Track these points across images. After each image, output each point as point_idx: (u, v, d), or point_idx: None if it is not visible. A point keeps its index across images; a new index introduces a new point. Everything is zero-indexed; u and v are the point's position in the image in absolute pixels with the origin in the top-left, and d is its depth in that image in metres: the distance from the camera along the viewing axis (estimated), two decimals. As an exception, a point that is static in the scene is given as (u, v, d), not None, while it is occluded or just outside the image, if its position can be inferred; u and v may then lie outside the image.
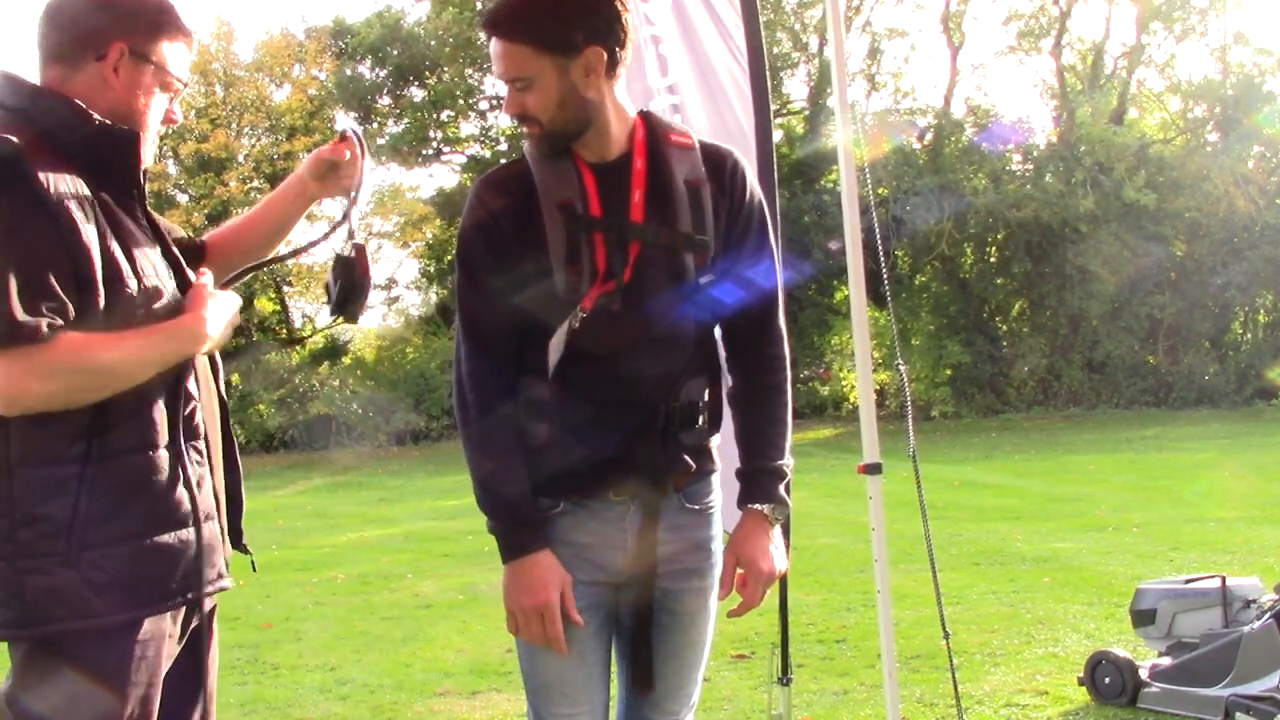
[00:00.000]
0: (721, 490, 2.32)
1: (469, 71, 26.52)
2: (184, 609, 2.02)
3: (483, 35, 2.16)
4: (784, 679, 3.70)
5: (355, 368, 26.01)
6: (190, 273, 2.09)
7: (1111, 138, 22.94)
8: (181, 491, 1.95)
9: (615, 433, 2.13)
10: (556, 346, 2.08)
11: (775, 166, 3.56)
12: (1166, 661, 4.44)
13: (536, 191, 2.11)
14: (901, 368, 3.99)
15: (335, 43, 26.90)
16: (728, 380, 2.31)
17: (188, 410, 2.01)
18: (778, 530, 2.25)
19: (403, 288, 28.82)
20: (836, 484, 12.22)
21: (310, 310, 27.58)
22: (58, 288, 1.80)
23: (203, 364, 2.07)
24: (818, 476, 13.32)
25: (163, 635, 1.97)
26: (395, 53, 26.79)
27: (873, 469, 3.50)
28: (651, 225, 2.11)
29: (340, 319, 2.23)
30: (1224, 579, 4.49)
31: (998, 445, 17.70)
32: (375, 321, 29.58)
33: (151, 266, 1.98)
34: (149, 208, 2.06)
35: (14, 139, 1.80)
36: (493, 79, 28.22)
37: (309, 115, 25.79)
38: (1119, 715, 4.34)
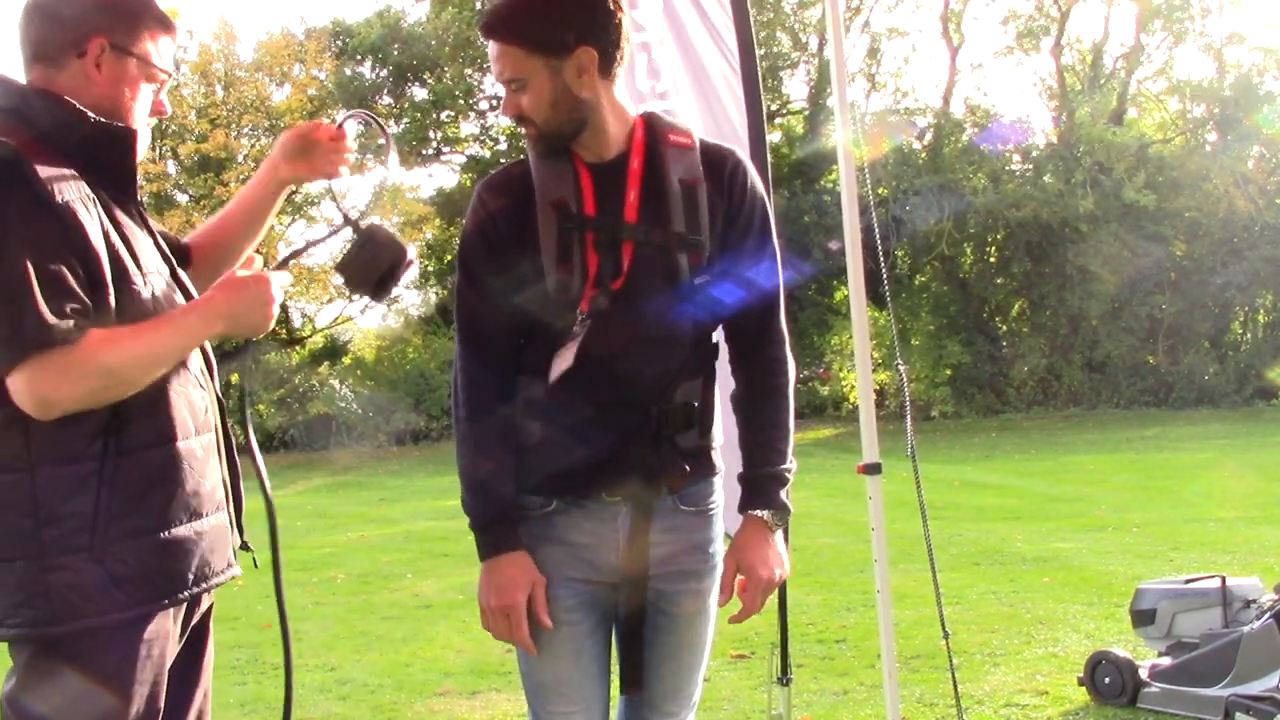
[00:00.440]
0: (724, 493, 2.32)
1: (469, 71, 26.52)
2: (184, 606, 2.03)
3: (481, 38, 2.16)
4: (784, 679, 3.70)
5: (355, 368, 26.02)
6: (180, 271, 2.09)
7: (1111, 138, 22.95)
8: (195, 483, 1.97)
9: (610, 433, 2.13)
10: (565, 356, 2.08)
11: (769, 167, 3.56)
12: (1166, 661, 4.44)
13: (530, 189, 2.13)
14: (901, 368, 4.00)
15: (335, 42, 26.91)
16: (730, 383, 2.30)
17: (199, 403, 2.03)
18: (779, 536, 2.24)
19: (403, 288, 28.79)
20: (836, 484, 12.22)
21: (310, 310, 27.59)
22: (76, 287, 1.80)
23: (197, 358, 2.08)
24: (818, 476, 13.32)
25: (167, 634, 1.97)
26: (395, 53, 26.79)
27: (872, 469, 3.50)
28: (644, 225, 2.11)
29: (375, 296, 2.14)
30: (1224, 579, 4.49)
31: (998, 445, 17.69)
32: (375, 321, 29.60)
33: (153, 263, 1.99)
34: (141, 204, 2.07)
35: (10, 141, 1.80)
36: (493, 79, 28.11)
37: (309, 115, 25.77)
38: (1119, 715, 4.34)
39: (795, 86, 27.73)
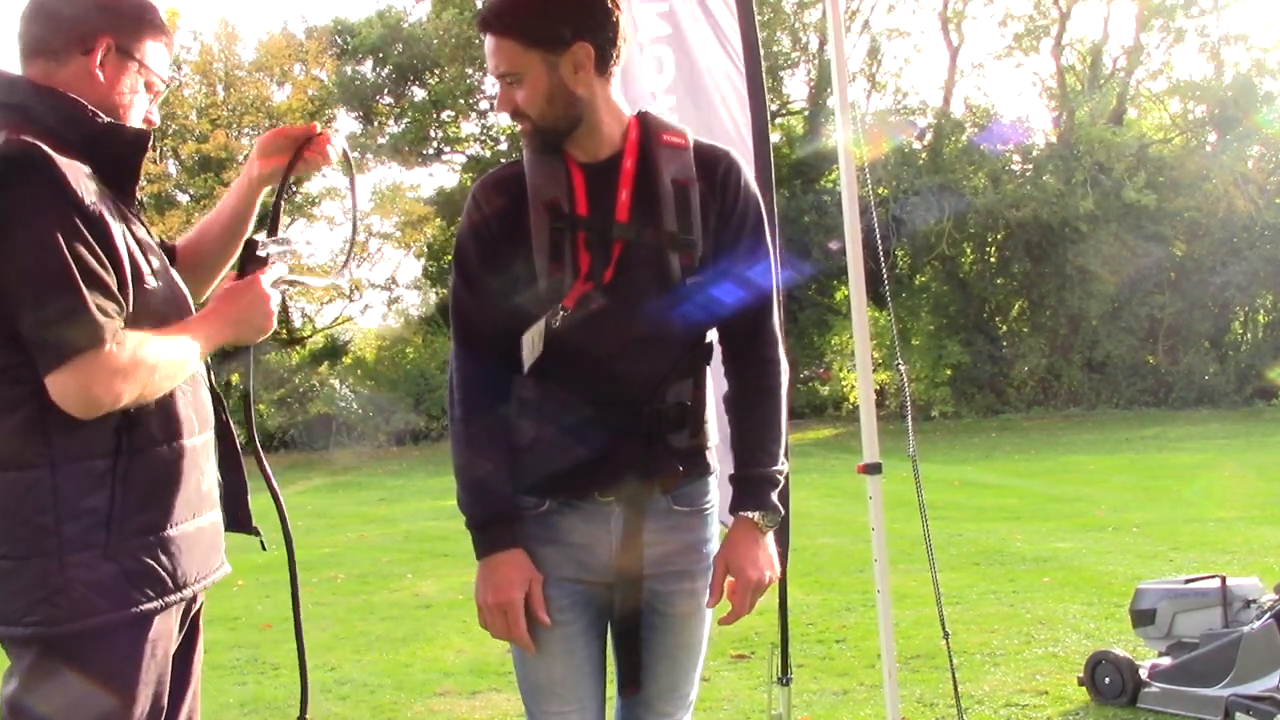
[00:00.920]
0: (719, 492, 2.32)
1: (469, 71, 26.50)
2: (183, 605, 2.04)
3: (479, 33, 2.17)
4: (784, 679, 3.70)
5: (355, 368, 26.03)
6: (174, 272, 2.10)
7: (1111, 138, 22.95)
8: (198, 481, 2.00)
9: (602, 433, 2.12)
10: (534, 343, 2.11)
11: (772, 168, 3.55)
12: (1166, 661, 4.44)
13: (523, 188, 2.13)
14: (901, 368, 3.99)
15: (336, 42, 26.92)
16: (724, 384, 2.30)
17: (207, 402, 2.08)
18: (770, 538, 2.24)
19: (403, 288, 28.82)
20: (836, 484, 12.22)
21: (310, 310, 27.59)
22: (114, 288, 1.83)
23: None
24: (818, 476, 13.32)
25: (169, 633, 1.99)
26: (396, 52, 26.80)
27: (872, 469, 3.50)
28: (636, 224, 2.11)
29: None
30: (1224, 579, 4.49)
31: (998, 445, 17.69)
32: (375, 321, 29.60)
33: (160, 263, 2.02)
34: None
35: (38, 143, 1.80)
36: (493, 79, 28.14)
37: (309, 115, 25.77)
38: (1119, 715, 4.34)
39: (795, 86, 27.76)
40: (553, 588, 2.16)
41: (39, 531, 1.83)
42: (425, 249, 27.78)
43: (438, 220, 26.36)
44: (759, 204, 2.24)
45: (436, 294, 27.19)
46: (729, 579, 2.21)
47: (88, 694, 1.87)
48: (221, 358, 2.19)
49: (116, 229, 1.87)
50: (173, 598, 1.95)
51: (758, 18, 3.64)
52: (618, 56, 2.13)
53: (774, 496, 2.22)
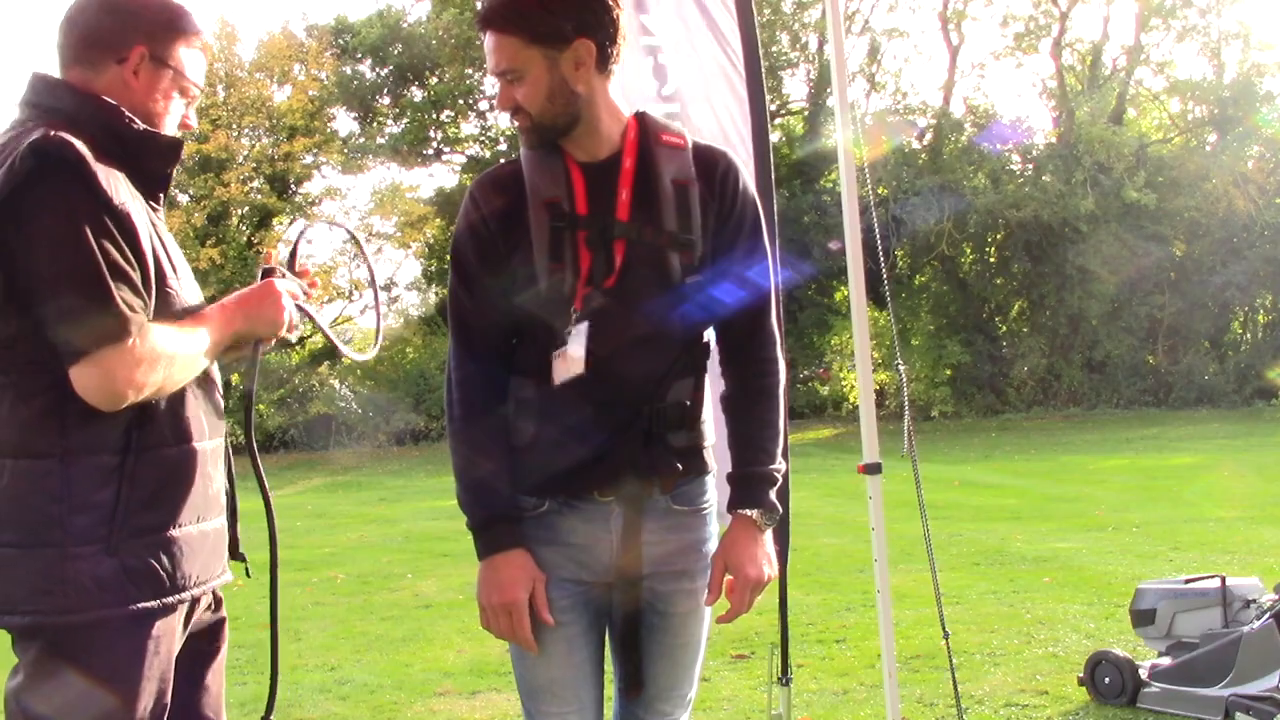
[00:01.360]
0: (716, 492, 2.32)
1: (469, 71, 26.50)
2: (187, 606, 2.05)
3: (479, 32, 2.16)
4: (784, 679, 3.70)
5: (355, 368, 26.02)
6: (193, 280, 2.15)
7: (1111, 138, 22.95)
8: (205, 485, 2.03)
9: (602, 432, 2.12)
10: (572, 360, 2.08)
11: (772, 168, 3.55)
12: (1166, 661, 4.44)
13: (523, 188, 2.12)
14: (901, 368, 3.98)
15: (336, 41, 26.92)
16: (721, 383, 2.30)
17: (219, 406, 2.10)
18: (768, 536, 2.24)
19: (403, 288, 28.85)
20: (836, 484, 12.23)
21: (310, 310, 27.54)
22: (139, 284, 1.87)
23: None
24: (818, 476, 13.33)
25: (173, 632, 1.99)
26: (396, 52, 26.80)
27: (872, 469, 3.50)
28: (636, 224, 2.11)
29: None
30: (1224, 579, 4.49)
31: (998, 445, 17.70)
32: (375, 322, 29.59)
33: (183, 267, 2.05)
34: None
35: (74, 141, 1.84)
36: (493, 79, 28.15)
37: (309, 116, 25.79)
38: (1119, 715, 4.34)
39: (795, 86, 27.76)
40: (553, 588, 2.16)
41: (45, 521, 1.85)
42: (425, 249, 27.79)
43: (437, 220, 26.37)
44: (756, 205, 2.24)
45: (436, 294, 27.21)
46: (727, 577, 2.20)
47: (89, 691, 1.87)
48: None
49: (143, 230, 1.90)
50: (171, 599, 1.95)
51: (757, 19, 3.64)
52: (617, 55, 2.13)
53: (772, 495, 2.22)
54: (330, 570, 8.75)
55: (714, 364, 2.29)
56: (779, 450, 2.25)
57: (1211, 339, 23.91)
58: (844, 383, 24.37)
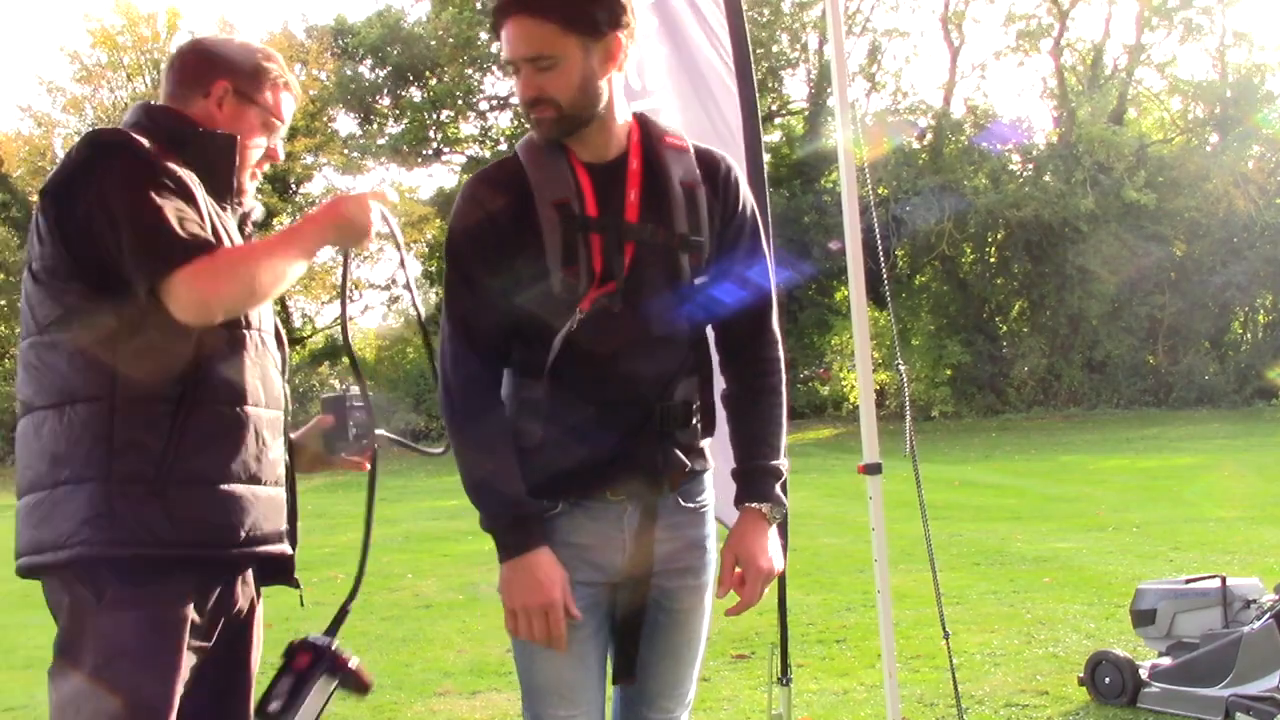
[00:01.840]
0: (715, 489, 2.32)
1: (469, 71, 26.52)
2: (223, 584, 2.12)
3: (492, 22, 2.10)
4: (784, 679, 3.70)
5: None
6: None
7: (1111, 137, 22.96)
8: (259, 450, 2.11)
9: (612, 432, 2.12)
10: (553, 349, 2.08)
11: (764, 166, 3.55)
12: (1166, 661, 4.44)
13: (532, 191, 2.09)
14: (901, 368, 3.98)
15: (336, 42, 26.93)
16: (720, 382, 2.30)
17: (275, 379, 2.18)
18: (775, 530, 2.24)
19: (402, 288, 28.85)
20: (836, 484, 12.23)
21: (310, 310, 27.60)
22: (202, 225, 2.00)
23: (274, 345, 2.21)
24: (818, 476, 13.33)
25: (212, 589, 2.08)
26: (395, 53, 26.80)
27: (873, 469, 3.49)
28: (648, 225, 2.10)
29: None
30: (1224, 579, 4.48)
31: (998, 445, 17.70)
32: (375, 321, 29.62)
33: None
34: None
35: (128, 131, 2.04)
36: (493, 79, 28.26)
37: (310, 116, 25.79)
38: (1119, 715, 4.34)
39: (795, 86, 27.78)
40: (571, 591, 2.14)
41: (93, 458, 1.96)
42: (425, 249, 27.78)
43: (437, 221, 26.37)
44: (754, 206, 2.25)
45: (436, 294, 27.20)
46: (737, 570, 2.19)
47: (126, 636, 1.95)
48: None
49: (204, 205, 2.05)
50: (216, 552, 2.04)
51: (758, 19, 3.64)
52: (627, 55, 2.11)
53: (779, 489, 2.22)
54: (330, 570, 8.72)
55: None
56: (782, 447, 2.25)
57: (1212, 339, 23.91)
58: (844, 383, 24.37)
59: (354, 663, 2.25)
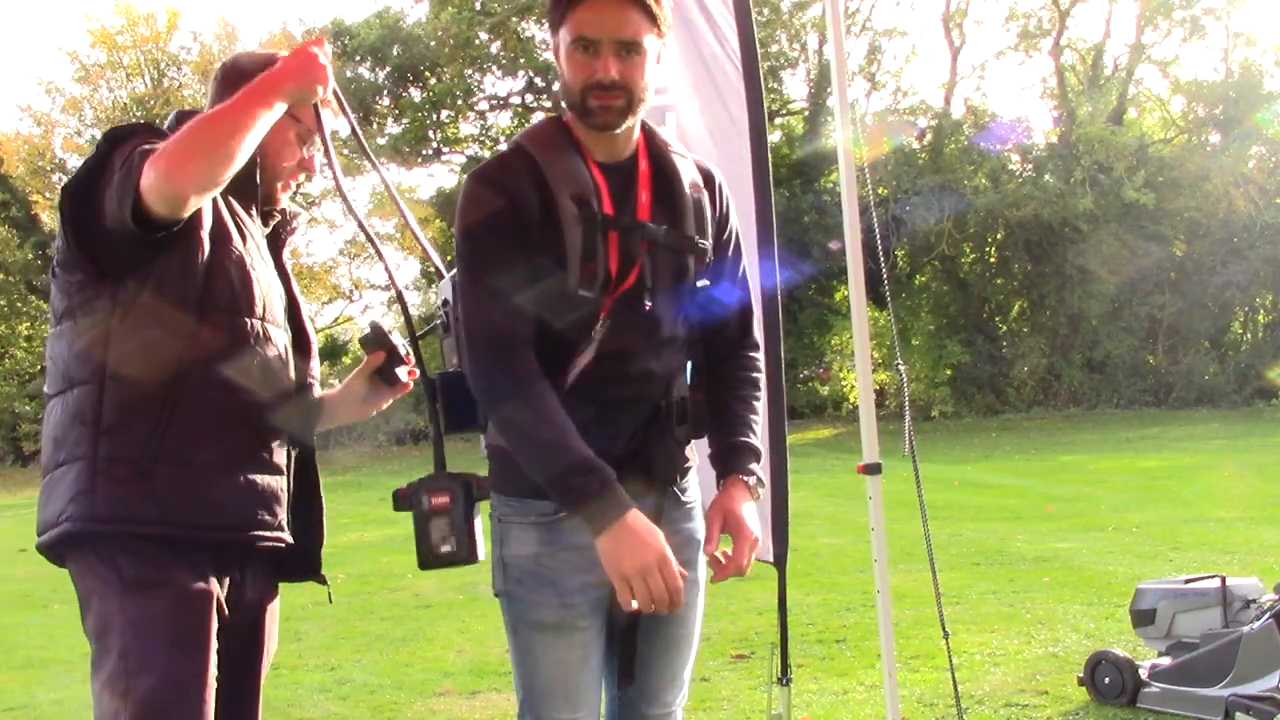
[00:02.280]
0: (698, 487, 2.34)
1: (469, 71, 26.52)
2: (229, 581, 2.13)
3: None
4: (784, 679, 3.70)
5: (355, 367, 26.04)
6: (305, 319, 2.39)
7: (1111, 137, 22.97)
8: (257, 439, 2.13)
9: (624, 431, 2.13)
10: (584, 356, 2.08)
11: (770, 164, 3.55)
12: (1166, 661, 4.44)
13: (549, 185, 2.05)
14: (901, 368, 3.98)
15: (335, 43, 26.92)
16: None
17: (276, 369, 2.18)
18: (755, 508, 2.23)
19: (402, 287, 28.82)
20: (836, 484, 12.23)
21: (310, 310, 27.57)
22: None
23: (283, 337, 2.23)
24: (818, 476, 13.33)
25: (207, 576, 2.08)
26: (395, 53, 26.81)
27: (872, 469, 3.49)
28: (662, 227, 2.12)
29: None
30: (1224, 579, 4.48)
31: (998, 445, 17.70)
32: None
33: (261, 266, 2.17)
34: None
35: (138, 123, 2.13)
36: (493, 79, 28.30)
37: (309, 116, 25.76)
38: (1119, 715, 4.34)
39: (795, 86, 27.77)
40: (577, 594, 2.14)
41: (83, 439, 2.03)
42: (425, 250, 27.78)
43: (437, 221, 26.36)
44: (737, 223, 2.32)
45: (436, 294, 27.19)
46: (722, 552, 2.17)
47: (151, 616, 1.97)
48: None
49: (222, 203, 2.11)
50: (205, 531, 2.05)
51: (758, 19, 3.64)
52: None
53: (758, 468, 2.22)
54: (330, 570, 8.70)
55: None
56: (758, 432, 2.26)
57: (1212, 339, 23.91)
58: (844, 383, 24.38)
59: (481, 476, 2.22)
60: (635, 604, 1.99)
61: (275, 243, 2.33)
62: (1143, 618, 4.57)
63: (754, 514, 2.20)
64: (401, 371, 2.47)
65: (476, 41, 26.22)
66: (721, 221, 2.23)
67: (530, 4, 25.64)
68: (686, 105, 3.56)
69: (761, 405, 2.29)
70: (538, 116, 27.95)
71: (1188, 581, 4.62)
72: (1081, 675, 4.56)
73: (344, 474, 18.33)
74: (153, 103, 27.65)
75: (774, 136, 26.69)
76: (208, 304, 2.08)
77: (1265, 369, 22.12)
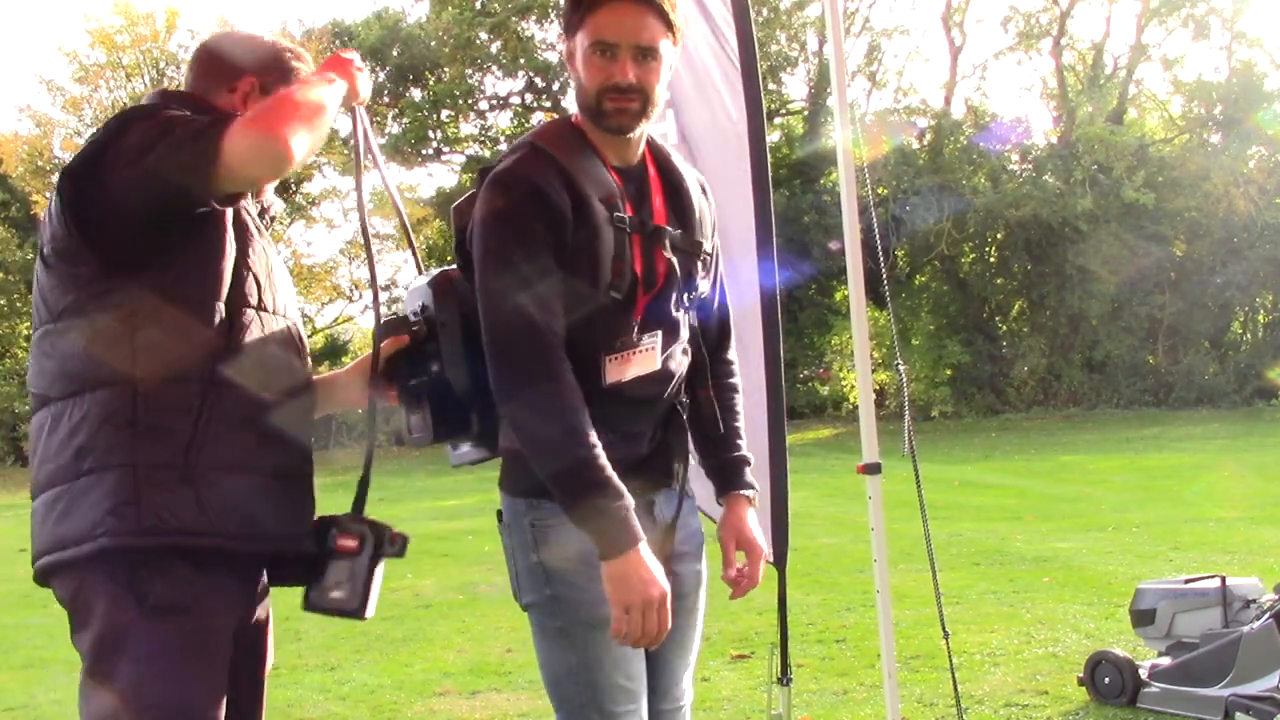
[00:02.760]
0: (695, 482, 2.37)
1: (469, 71, 26.53)
2: (256, 576, 2.08)
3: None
4: (784, 679, 3.70)
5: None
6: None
7: (1110, 137, 22.97)
8: (282, 440, 2.04)
9: (646, 430, 2.17)
10: (620, 359, 2.08)
11: (768, 162, 3.55)
12: (1166, 661, 4.44)
13: (577, 186, 2.02)
14: (901, 368, 3.98)
15: (335, 44, 26.92)
16: None
17: (298, 370, 2.13)
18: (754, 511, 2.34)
19: (402, 289, 28.84)
20: (836, 484, 12.23)
21: (310, 310, 27.58)
22: None
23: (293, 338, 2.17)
24: (817, 476, 13.33)
25: (245, 581, 2.03)
26: (395, 53, 26.82)
27: (872, 469, 3.49)
28: (679, 230, 2.16)
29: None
30: (1224, 579, 4.48)
31: (998, 445, 17.70)
32: (375, 321, 29.63)
33: (257, 256, 2.08)
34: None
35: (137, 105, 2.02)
36: (493, 79, 28.30)
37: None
38: (1119, 715, 4.34)
39: (795, 86, 27.79)
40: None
41: (117, 444, 1.87)
42: (425, 250, 27.79)
43: (437, 222, 26.37)
44: None
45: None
46: (739, 560, 2.26)
47: (171, 647, 1.85)
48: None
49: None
50: (247, 539, 1.95)
51: (756, 18, 3.63)
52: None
53: (753, 477, 2.31)
54: (330, 570, 8.74)
55: None
56: (744, 436, 2.34)
57: (1211, 339, 23.92)
58: (844, 383, 24.39)
59: (396, 531, 2.12)
60: (623, 635, 1.97)
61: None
62: (1143, 618, 4.57)
63: (757, 523, 2.29)
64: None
65: (477, 41, 26.23)
66: (713, 227, 2.28)
67: (530, 4, 25.66)
68: (686, 105, 3.57)
69: (741, 403, 2.34)
70: (538, 116, 28.03)
71: (1188, 581, 4.62)
72: (1081, 675, 4.56)
73: (344, 474, 18.23)
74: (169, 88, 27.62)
75: (773, 136, 26.69)
76: (235, 299, 1.98)
77: (1265, 369, 22.13)
